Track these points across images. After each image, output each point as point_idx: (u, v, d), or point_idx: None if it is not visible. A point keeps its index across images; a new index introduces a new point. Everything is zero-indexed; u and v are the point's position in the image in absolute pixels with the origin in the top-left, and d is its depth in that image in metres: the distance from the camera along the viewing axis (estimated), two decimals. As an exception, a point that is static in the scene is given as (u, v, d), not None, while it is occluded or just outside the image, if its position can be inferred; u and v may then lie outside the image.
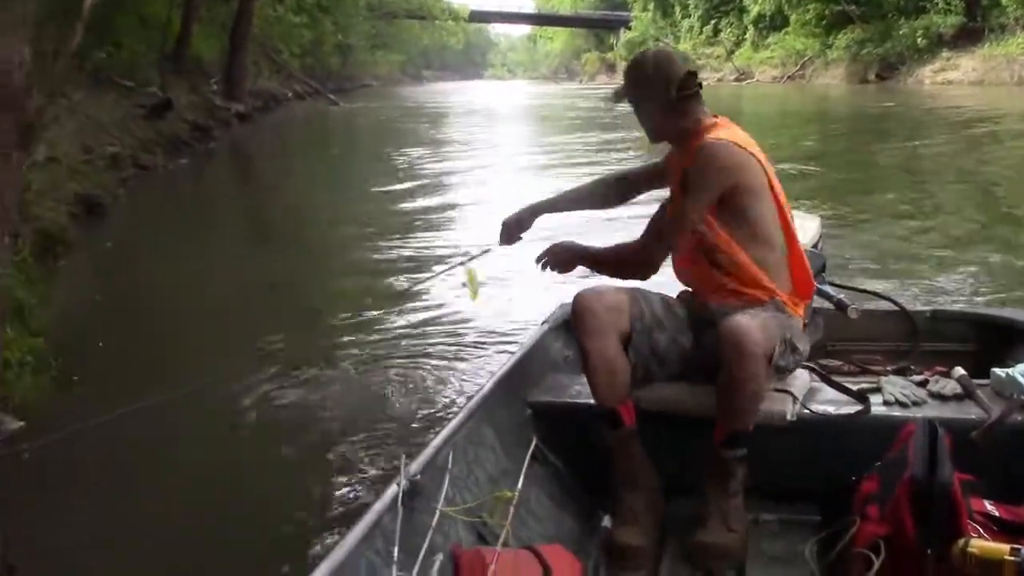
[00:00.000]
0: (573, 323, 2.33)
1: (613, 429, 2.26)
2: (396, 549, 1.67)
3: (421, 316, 5.15)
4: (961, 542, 1.75)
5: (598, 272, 2.59)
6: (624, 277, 2.49)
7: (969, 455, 2.05)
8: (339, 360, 4.49)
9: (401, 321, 5.12)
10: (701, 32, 45.02)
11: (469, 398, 2.40)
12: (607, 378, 2.25)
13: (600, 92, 28.76)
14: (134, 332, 5.03)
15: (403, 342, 4.77)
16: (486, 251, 3.00)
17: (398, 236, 7.81)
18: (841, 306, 2.73)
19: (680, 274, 2.47)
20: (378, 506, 1.79)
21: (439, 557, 1.75)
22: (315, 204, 10.51)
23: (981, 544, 1.74)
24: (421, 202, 9.83)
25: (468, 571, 1.83)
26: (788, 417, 2.25)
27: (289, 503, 3.06)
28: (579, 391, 2.42)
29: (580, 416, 2.37)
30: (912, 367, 2.70)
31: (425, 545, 1.75)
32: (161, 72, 14.84)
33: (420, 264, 6.71)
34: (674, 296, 2.47)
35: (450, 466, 2.03)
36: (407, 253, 7.16)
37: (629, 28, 56.75)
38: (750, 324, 2.11)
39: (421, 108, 28.98)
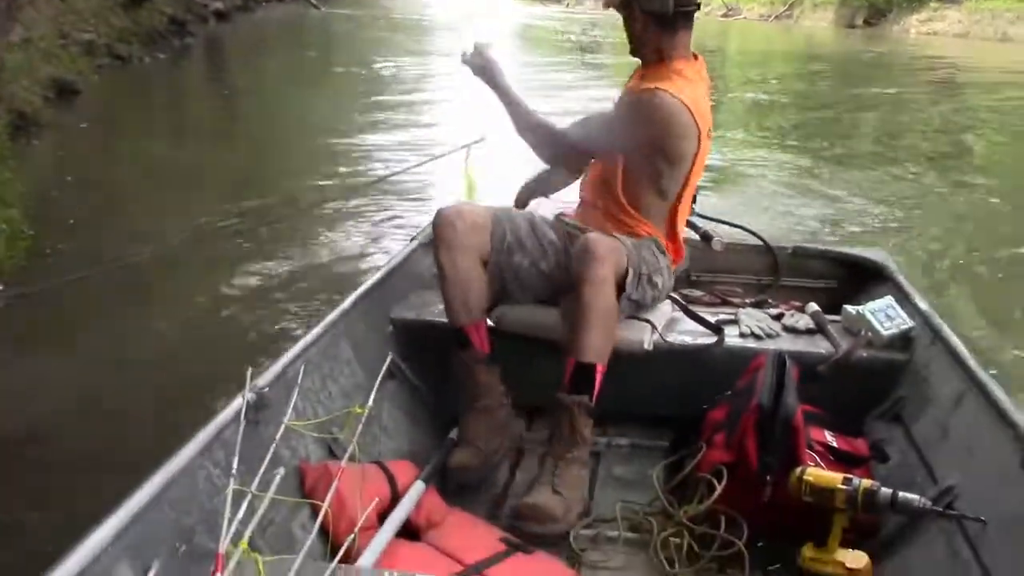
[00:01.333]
0: (433, 238, 2.27)
1: (461, 350, 2.23)
2: (236, 460, 1.57)
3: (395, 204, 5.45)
4: (798, 470, 1.82)
5: (506, 110, 2.39)
6: (535, 149, 2.39)
7: (815, 387, 2.12)
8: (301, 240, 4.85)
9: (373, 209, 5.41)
10: (694, -37, 44.35)
11: (328, 312, 2.29)
12: (460, 295, 2.22)
13: (585, 18, 28.41)
14: (101, 208, 5.31)
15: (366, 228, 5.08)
16: (479, 140, 3.03)
17: (366, 133, 8.02)
18: (707, 237, 2.73)
19: (582, 187, 2.44)
20: (220, 417, 1.71)
21: (281, 471, 1.66)
22: (286, 102, 10.57)
23: (816, 472, 1.82)
24: (389, 98, 10.00)
25: (314, 485, 1.84)
26: (645, 346, 2.26)
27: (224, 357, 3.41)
28: (442, 310, 2.31)
29: (439, 334, 2.32)
30: (770, 301, 2.74)
31: (267, 458, 1.66)
32: (140, -39, 14.56)
33: (386, 158, 6.97)
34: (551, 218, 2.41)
35: (300, 380, 1.94)
36: (374, 149, 7.42)
37: (622, -47, 55.50)
38: (601, 238, 2.11)
39: (406, 19, 28.49)
